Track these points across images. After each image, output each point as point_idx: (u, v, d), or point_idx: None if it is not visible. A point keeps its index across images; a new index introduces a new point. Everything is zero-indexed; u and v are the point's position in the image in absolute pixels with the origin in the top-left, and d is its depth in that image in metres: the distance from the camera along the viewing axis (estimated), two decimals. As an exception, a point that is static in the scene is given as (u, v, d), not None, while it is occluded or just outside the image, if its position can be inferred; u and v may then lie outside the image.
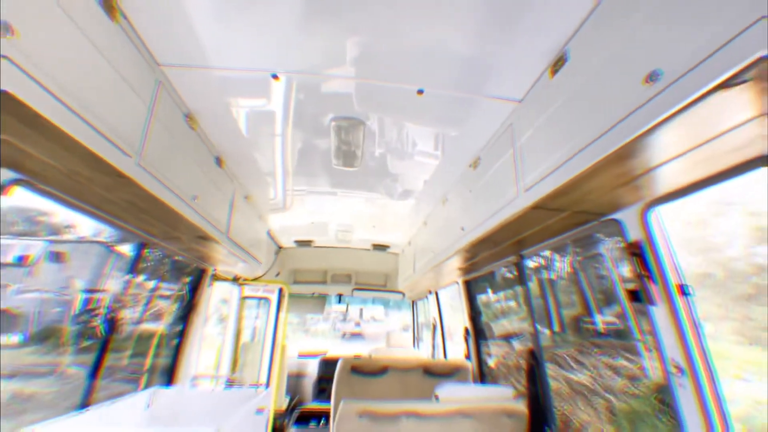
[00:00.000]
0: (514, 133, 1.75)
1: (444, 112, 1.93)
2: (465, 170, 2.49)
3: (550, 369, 3.01)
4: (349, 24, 1.41)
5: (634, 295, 1.46)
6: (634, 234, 1.50)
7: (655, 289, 1.40)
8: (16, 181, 1.36)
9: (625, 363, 2.56)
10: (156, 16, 1.38)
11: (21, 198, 1.45)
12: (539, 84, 1.58)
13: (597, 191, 1.39)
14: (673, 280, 1.39)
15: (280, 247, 4.97)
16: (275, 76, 1.70)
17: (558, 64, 1.42)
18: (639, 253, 1.45)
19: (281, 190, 3.13)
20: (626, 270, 2.30)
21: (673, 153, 1.08)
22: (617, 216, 1.58)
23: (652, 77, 0.96)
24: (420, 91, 1.75)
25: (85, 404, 2.16)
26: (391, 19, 1.37)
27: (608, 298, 2.78)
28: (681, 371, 1.31)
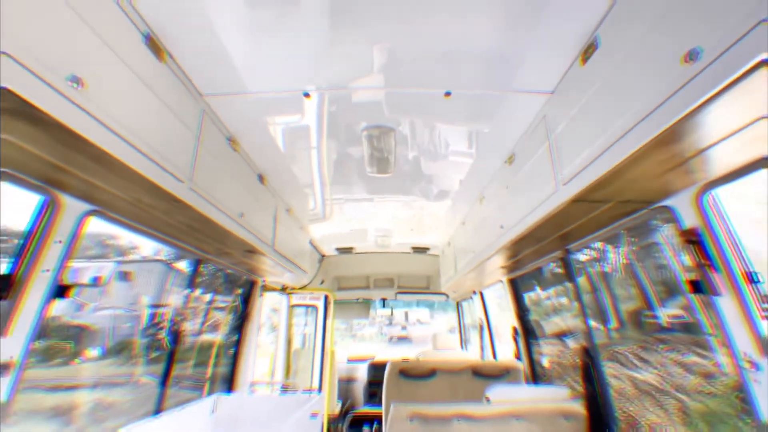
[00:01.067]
0: (548, 126, 1.71)
1: (473, 110, 1.92)
2: (500, 167, 2.45)
3: (611, 367, 2.85)
4: (372, 36, 1.45)
5: (696, 286, 1.36)
6: (690, 220, 1.40)
7: (718, 278, 1.30)
8: (91, 212, 1.53)
9: (696, 359, 2.38)
10: (197, 52, 1.51)
11: (94, 226, 1.63)
12: (570, 73, 1.53)
13: (643, 178, 1.32)
14: (738, 268, 1.28)
15: (323, 256, 5.12)
16: (307, 95, 1.78)
17: (589, 51, 1.37)
18: (697, 241, 1.36)
19: (320, 200, 3.24)
20: (688, 259, 2.14)
21: (723, 132, 1.01)
22: (668, 203, 1.48)
23: (692, 56, 0.90)
24: (447, 93, 1.76)
25: (158, 410, 2.36)
26: (412, 25, 1.39)
27: (671, 290, 2.60)
28: (755, 366, 1.20)
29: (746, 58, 0.76)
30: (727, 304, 1.29)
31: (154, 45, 1.37)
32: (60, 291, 1.44)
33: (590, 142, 1.33)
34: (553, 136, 1.65)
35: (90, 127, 1.05)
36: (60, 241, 1.41)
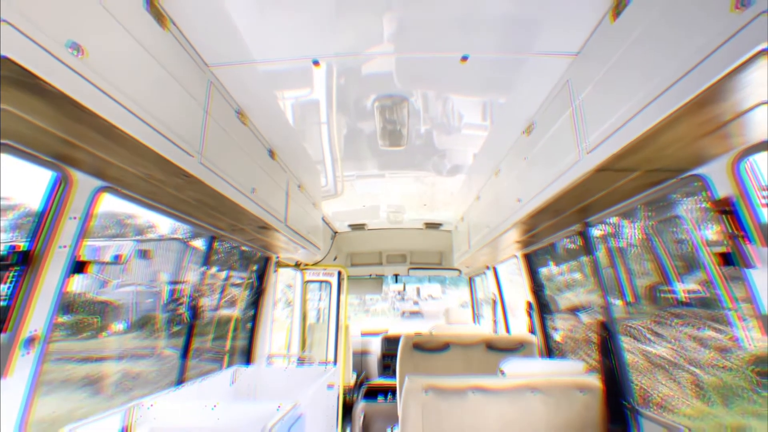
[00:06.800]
0: (572, 91, 1.61)
1: (491, 77, 1.82)
2: (518, 138, 2.35)
3: (625, 341, 2.84)
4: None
5: (727, 259, 1.29)
6: (723, 189, 1.32)
7: (753, 250, 1.23)
8: (103, 189, 1.52)
9: (712, 334, 2.35)
10: (201, 18, 1.44)
11: (110, 204, 1.64)
12: (599, 31, 1.42)
13: (674, 145, 1.24)
14: (775, 239, 1.21)
15: (336, 232, 5.13)
16: (316, 62, 1.71)
17: (620, 5, 1.26)
18: (731, 211, 1.28)
19: (332, 176, 3.20)
20: (711, 232, 2.06)
21: None
22: (701, 171, 1.40)
23: (744, 1, 0.81)
24: (464, 58, 1.66)
25: (180, 381, 2.45)
26: None
27: (689, 265, 2.53)
28: (789, 341, 1.15)
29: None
30: (761, 277, 1.23)
31: (156, 11, 1.31)
32: (78, 267, 1.46)
33: (619, 106, 1.24)
34: (577, 101, 1.55)
35: (93, 98, 1.01)
36: (75, 218, 1.41)
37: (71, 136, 1.16)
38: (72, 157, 1.31)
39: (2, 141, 1.15)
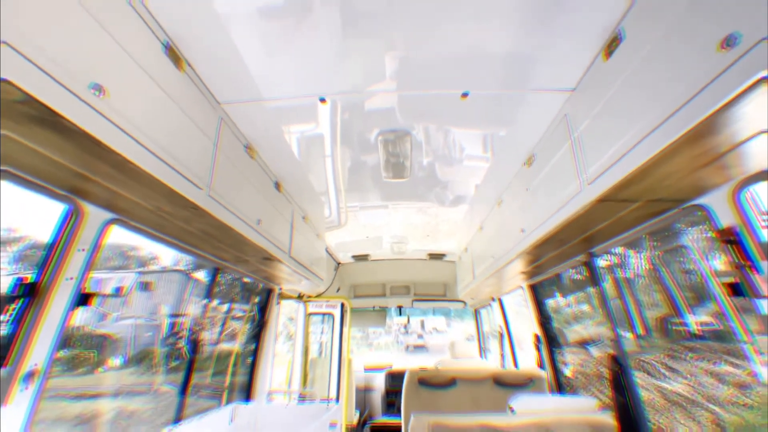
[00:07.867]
0: (570, 124, 1.66)
1: (491, 112, 1.88)
2: (519, 169, 2.39)
3: (638, 377, 2.74)
4: (386, 40, 1.44)
5: (736, 289, 1.28)
6: (726, 219, 1.32)
7: (761, 280, 1.22)
8: (113, 221, 1.55)
9: (730, 369, 2.26)
10: (214, 61, 1.53)
11: (115, 236, 1.66)
12: (593, 69, 1.49)
13: (674, 176, 1.26)
14: (783, 268, 1.20)
15: (339, 263, 5.11)
16: (323, 100, 1.79)
17: (612, 44, 1.33)
18: (735, 240, 1.28)
19: (335, 208, 3.24)
20: (719, 262, 2.04)
21: (763, 124, 0.95)
22: (702, 201, 1.41)
23: (729, 42, 0.86)
24: (464, 95, 1.73)
25: (178, 419, 2.36)
26: (427, 27, 1.38)
27: (699, 296, 2.48)
28: (808, 374, 1.11)
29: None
30: (771, 307, 1.21)
31: (173, 55, 1.39)
32: (83, 299, 1.45)
33: (617, 138, 1.28)
34: (576, 134, 1.60)
35: (112, 136, 1.06)
36: (83, 249, 1.43)
37: (86, 171, 1.20)
38: (85, 190, 1.34)
39: (20, 174, 1.19)
